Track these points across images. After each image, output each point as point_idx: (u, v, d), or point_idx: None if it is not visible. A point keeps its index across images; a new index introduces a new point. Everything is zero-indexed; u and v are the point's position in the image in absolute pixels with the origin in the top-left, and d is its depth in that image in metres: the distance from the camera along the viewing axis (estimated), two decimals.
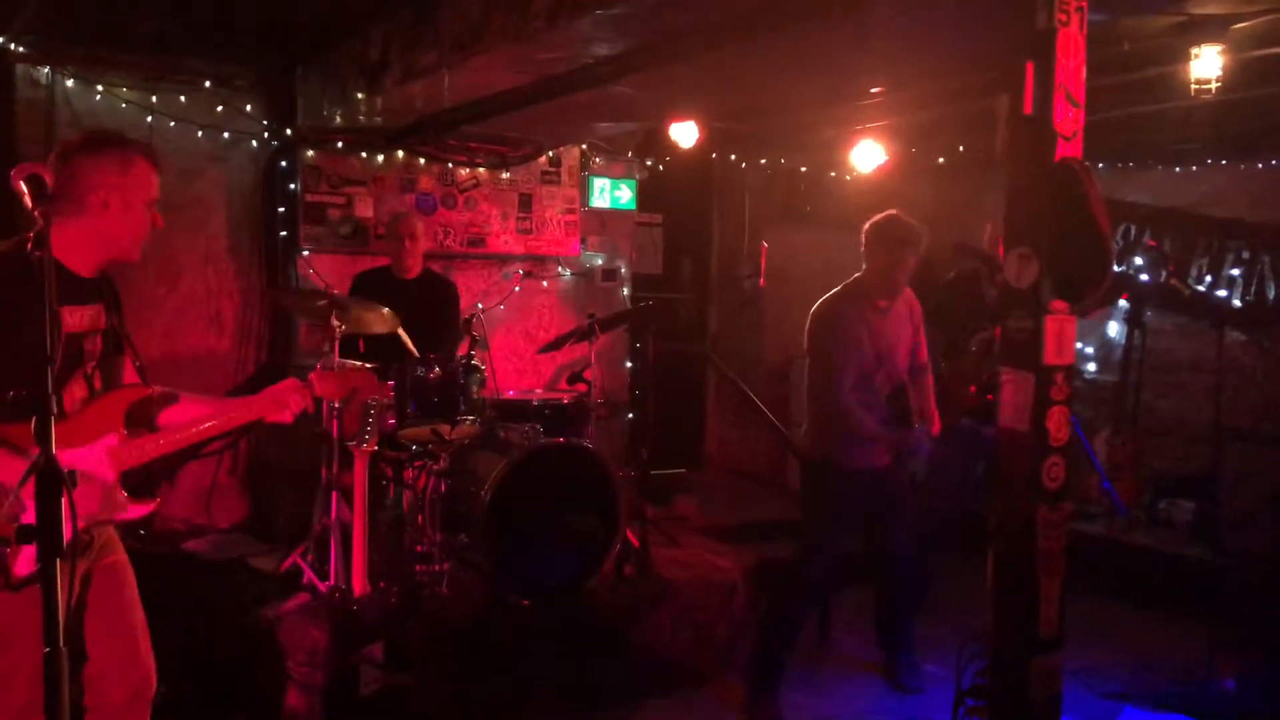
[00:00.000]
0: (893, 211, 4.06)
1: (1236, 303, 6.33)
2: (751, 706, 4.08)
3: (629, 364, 7.09)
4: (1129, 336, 6.53)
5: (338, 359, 4.30)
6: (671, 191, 7.48)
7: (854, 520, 4.23)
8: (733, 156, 7.40)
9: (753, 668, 4.16)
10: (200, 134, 5.64)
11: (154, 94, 5.47)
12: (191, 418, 2.64)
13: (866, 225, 4.06)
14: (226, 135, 5.72)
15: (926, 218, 7.84)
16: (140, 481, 2.61)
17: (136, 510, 2.54)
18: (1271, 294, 6.21)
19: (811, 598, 4.20)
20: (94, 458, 2.45)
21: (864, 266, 4.07)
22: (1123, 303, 6.63)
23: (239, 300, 5.88)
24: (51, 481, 1.70)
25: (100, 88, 5.36)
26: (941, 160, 7.05)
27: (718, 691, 4.34)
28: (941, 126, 6.10)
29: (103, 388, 2.56)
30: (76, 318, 2.47)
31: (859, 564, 4.71)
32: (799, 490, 4.34)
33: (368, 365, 4.58)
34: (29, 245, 1.90)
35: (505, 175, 6.52)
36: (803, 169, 7.64)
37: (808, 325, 4.10)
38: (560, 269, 6.88)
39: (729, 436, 7.77)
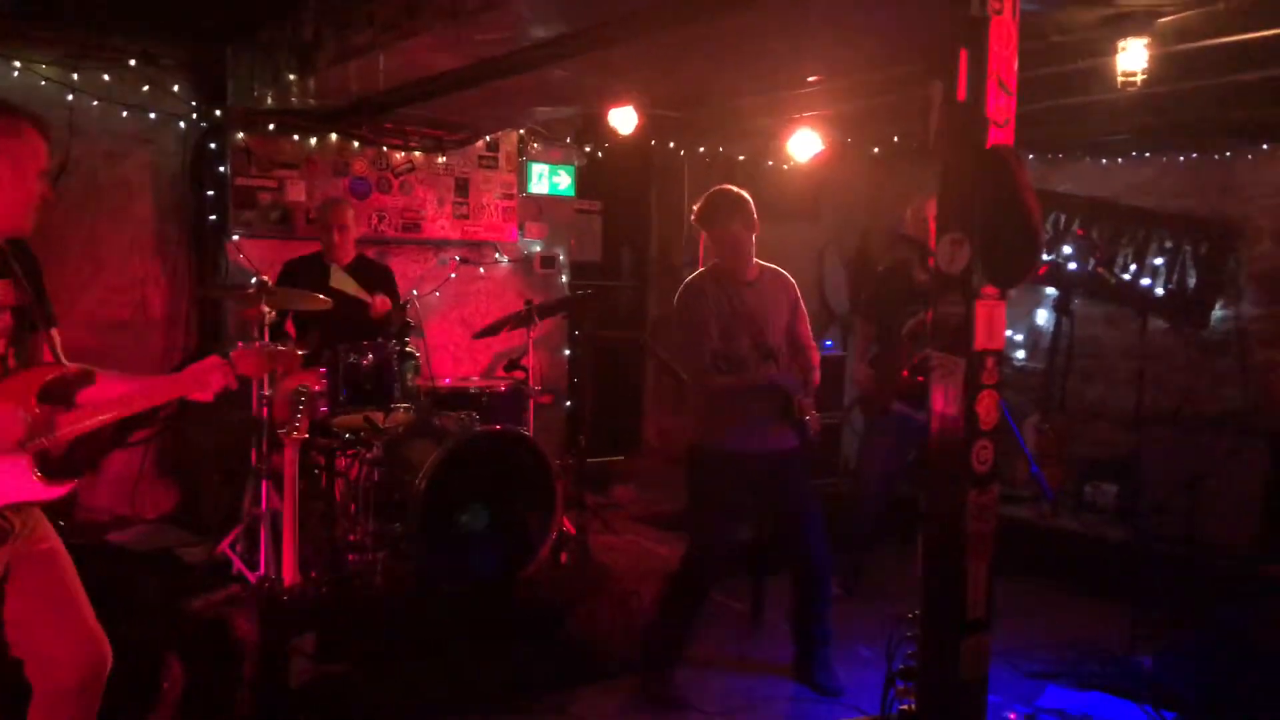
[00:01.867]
0: (722, 186, 4.11)
1: (1160, 291, 6.50)
2: (646, 685, 4.10)
3: (567, 351, 7.07)
4: (1057, 324, 6.68)
5: (265, 341, 4.22)
6: (611, 178, 7.46)
7: (737, 506, 4.22)
8: (672, 144, 7.39)
9: (646, 647, 4.18)
10: (125, 114, 5.47)
11: (76, 72, 5.29)
12: (111, 396, 2.58)
13: (694, 206, 4.14)
14: (153, 116, 5.55)
15: (863, 206, 8.00)
16: (62, 464, 2.55)
17: (51, 491, 2.48)
18: (1192, 283, 6.39)
19: (696, 583, 4.14)
20: (5, 436, 2.38)
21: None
22: (1051, 290, 6.78)
23: (166, 286, 5.72)
24: None
25: (18, 64, 5.16)
26: (877, 150, 7.13)
27: None
28: (877, 116, 6.15)
29: (16, 365, 2.49)
30: None
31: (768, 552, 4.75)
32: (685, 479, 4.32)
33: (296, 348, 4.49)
34: None
35: (441, 159, 6.43)
36: (741, 158, 7.66)
37: (675, 308, 4.17)
38: (498, 255, 6.82)
39: (667, 424, 7.78)
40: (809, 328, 4.32)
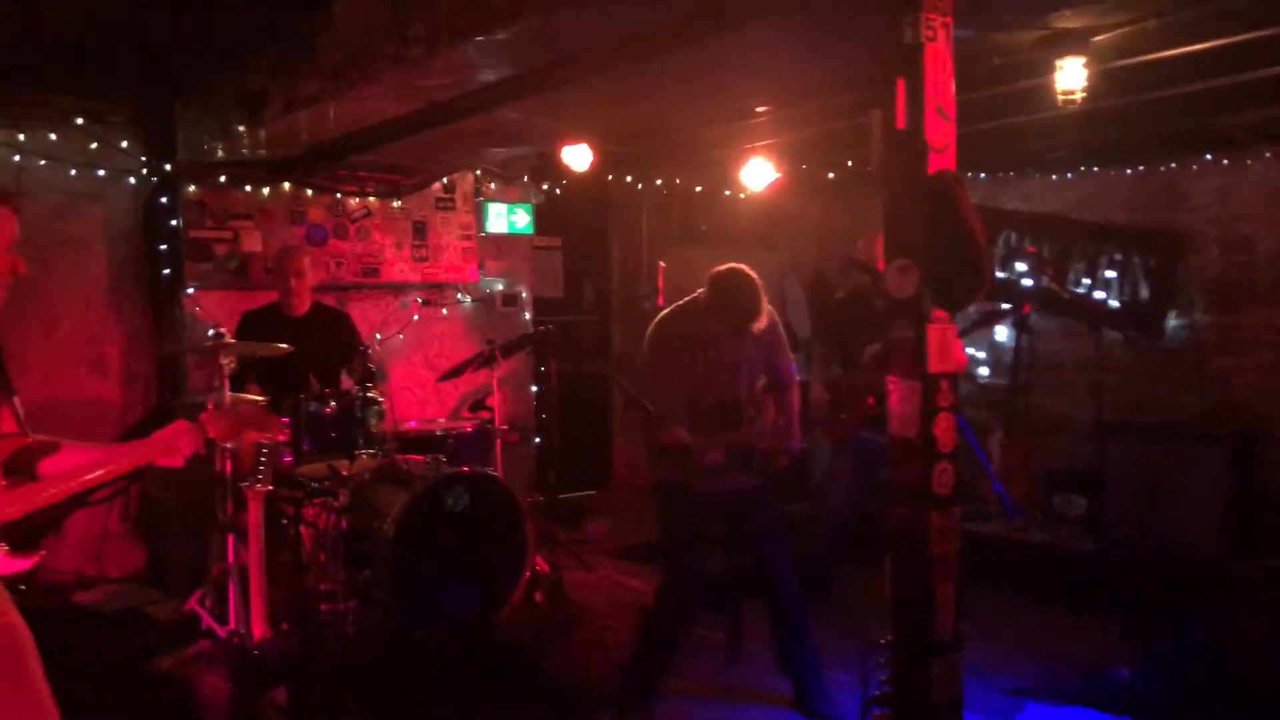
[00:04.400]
0: (741, 268, 3.85)
1: (1114, 304, 6.60)
2: (621, 716, 4.05)
3: (534, 388, 7.05)
4: (1016, 340, 6.76)
5: (229, 395, 4.19)
6: (569, 214, 7.49)
7: (706, 538, 4.15)
8: (628, 178, 7.44)
9: (624, 681, 4.13)
10: (74, 172, 5.43)
11: (21, 132, 5.25)
12: (75, 465, 2.53)
13: (709, 274, 3.89)
14: (102, 173, 5.52)
15: (819, 233, 8.08)
16: (23, 534, 2.50)
17: (15, 565, 2.42)
18: (1145, 294, 6.50)
19: (672, 615, 4.10)
20: None
21: (704, 289, 3.94)
22: (1007, 307, 6.86)
23: (123, 343, 5.67)
24: None
25: None
26: (831, 175, 7.21)
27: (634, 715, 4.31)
28: (829, 143, 6.24)
29: None
30: None
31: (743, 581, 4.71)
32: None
33: (259, 400, 4.46)
34: None
35: (398, 204, 6.44)
36: (698, 189, 7.72)
37: (645, 345, 4.07)
38: (459, 295, 6.81)
39: (637, 456, 7.75)
40: (791, 362, 4.21)
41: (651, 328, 4.09)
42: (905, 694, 2.78)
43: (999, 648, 4.67)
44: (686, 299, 4.09)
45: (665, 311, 4.12)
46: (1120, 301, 6.58)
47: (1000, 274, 6.87)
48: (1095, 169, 6.71)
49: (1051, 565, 5.78)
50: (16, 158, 5.25)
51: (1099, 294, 6.63)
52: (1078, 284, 6.73)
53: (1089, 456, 6.35)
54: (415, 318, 6.62)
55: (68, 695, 2.72)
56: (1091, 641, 4.59)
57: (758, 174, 6.31)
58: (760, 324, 3.85)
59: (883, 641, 2.91)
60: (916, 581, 2.66)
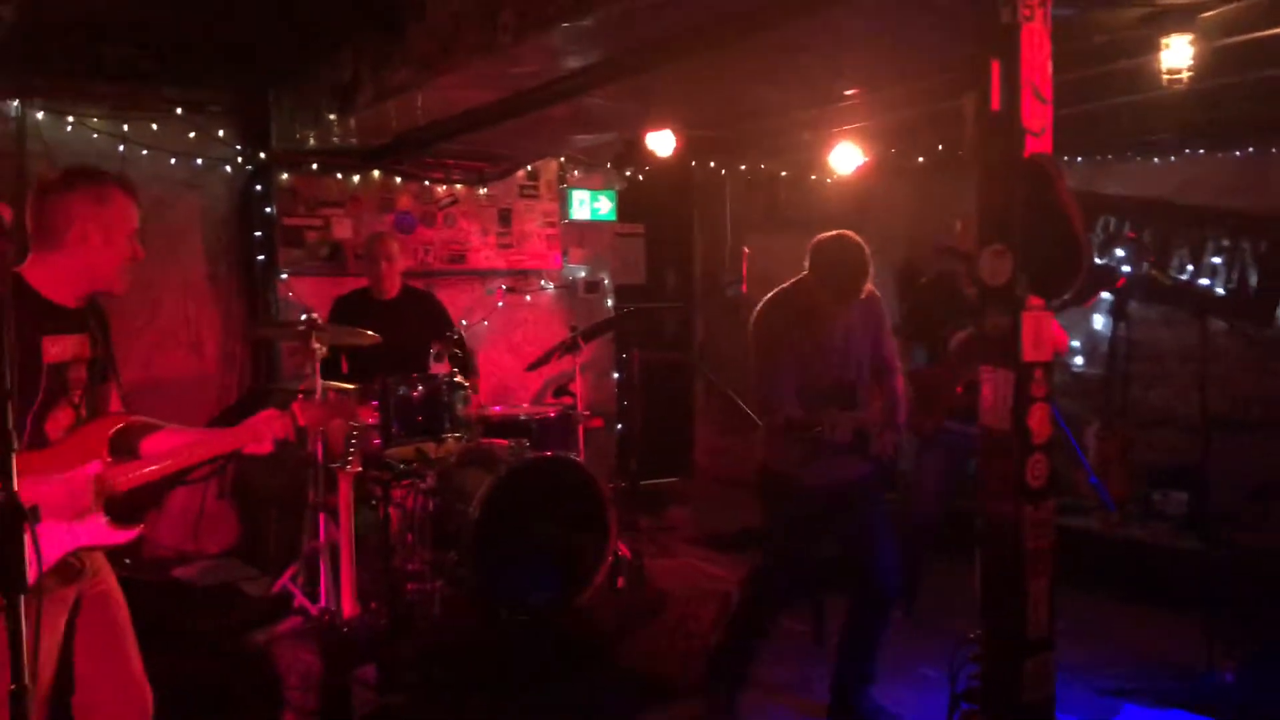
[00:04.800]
0: (845, 234, 3.82)
1: (1220, 291, 6.33)
2: (709, 708, 3.99)
3: (615, 375, 7.07)
4: (1114, 328, 6.54)
5: (320, 381, 4.28)
6: (652, 201, 7.47)
7: (812, 530, 3.99)
8: (712, 163, 7.39)
9: (711, 669, 4.08)
10: (174, 161, 5.61)
11: (125, 123, 5.45)
12: (172, 446, 2.67)
13: (812, 242, 3.85)
14: (200, 162, 5.69)
15: (909, 218, 7.92)
16: (127, 508, 2.61)
17: (119, 536, 2.55)
18: (1254, 281, 6.22)
19: (767, 605, 4.01)
20: (77, 484, 2.46)
21: (808, 261, 3.87)
22: (1106, 295, 6.64)
23: (219, 327, 5.85)
24: (13, 518, 1.68)
25: (71, 119, 5.33)
26: (921, 159, 7.05)
27: None
28: (920, 126, 6.10)
29: (88, 415, 2.59)
30: (59, 348, 2.51)
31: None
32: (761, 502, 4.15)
33: (349, 386, 4.56)
34: None
35: (483, 191, 6.50)
36: (783, 173, 7.63)
37: (751, 329, 3.95)
38: (543, 282, 6.86)
39: (718, 444, 7.75)
40: (893, 349, 4.11)
41: (757, 310, 3.96)
42: (995, 691, 2.71)
43: (1094, 647, 4.54)
44: (790, 281, 3.97)
45: (770, 294, 3.99)
46: (1226, 289, 6.31)
47: (1099, 260, 6.65)
48: (1200, 151, 6.43)
49: (1150, 562, 5.59)
50: (121, 147, 5.44)
51: (1204, 281, 6.37)
52: (1181, 270, 6.48)
53: (1191, 450, 6.11)
54: (500, 304, 6.68)
55: (165, 666, 2.84)
56: (1191, 643, 4.43)
57: (846, 158, 6.21)
58: (867, 291, 3.80)
59: (972, 637, 2.84)
60: (1008, 577, 2.59)
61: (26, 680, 1.67)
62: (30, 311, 2.41)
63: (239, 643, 4.22)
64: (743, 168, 7.52)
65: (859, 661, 4.03)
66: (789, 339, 3.83)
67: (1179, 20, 3.77)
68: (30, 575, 1.70)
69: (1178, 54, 3.91)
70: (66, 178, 2.57)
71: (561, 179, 6.86)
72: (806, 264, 3.85)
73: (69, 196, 2.52)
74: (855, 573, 4.01)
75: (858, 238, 3.80)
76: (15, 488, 1.71)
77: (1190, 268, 6.47)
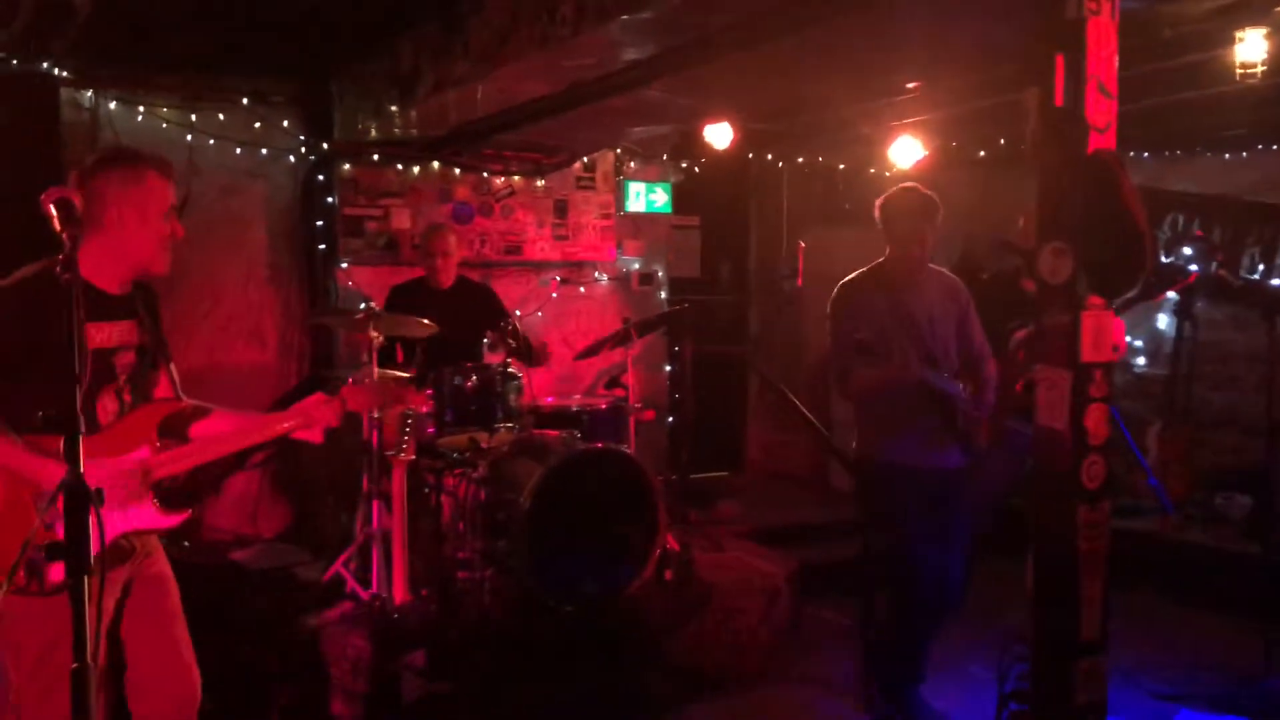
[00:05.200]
0: (907, 184, 3.89)
1: None
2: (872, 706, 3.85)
3: (668, 367, 7.07)
4: (1179, 328, 6.39)
5: (375, 369, 4.34)
6: (708, 193, 7.45)
7: (922, 519, 3.79)
8: (769, 156, 7.35)
9: (875, 673, 3.89)
10: (239, 151, 5.72)
11: (193, 113, 5.57)
12: (221, 431, 2.70)
13: (879, 200, 3.89)
14: (265, 151, 5.79)
15: (968, 213, 7.76)
16: (185, 492, 2.66)
17: (168, 520, 2.57)
18: None
19: (913, 609, 3.82)
20: (126, 468, 2.50)
21: (886, 250, 3.90)
22: (1172, 294, 6.49)
23: (280, 314, 5.95)
24: (79, 500, 1.72)
25: (142, 109, 5.46)
26: (982, 153, 6.95)
27: (761, 697, 4.30)
28: (981, 119, 6.00)
29: (135, 401, 2.62)
30: (104, 334, 2.53)
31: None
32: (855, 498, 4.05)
33: (404, 374, 4.61)
34: (58, 268, 1.93)
35: (540, 183, 6.54)
36: (840, 166, 7.57)
37: (829, 313, 3.89)
38: (597, 274, 6.88)
39: (770, 439, 7.71)
40: (982, 335, 4.03)
41: (835, 293, 3.91)
42: (1045, 693, 2.68)
43: (1149, 650, 4.47)
44: (868, 266, 3.94)
45: (846, 278, 3.94)
46: None
47: (1165, 258, 6.50)
48: (1274, 147, 6.26)
49: (1209, 567, 5.48)
50: (189, 137, 5.56)
51: (1276, 281, 6.20)
52: (1252, 270, 6.30)
53: (1255, 454, 5.96)
54: (554, 295, 6.72)
55: (217, 647, 2.89)
56: (1250, 649, 4.34)
57: (905, 151, 6.13)
58: (948, 277, 3.85)
59: (1021, 637, 2.80)
60: (1061, 577, 2.55)
61: (89, 659, 1.71)
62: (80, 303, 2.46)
63: (291, 626, 4.29)
64: (800, 160, 7.46)
65: (908, 661, 3.96)
66: (868, 312, 3.76)
67: (1255, 13, 3.67)
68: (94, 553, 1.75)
69: (1252, 48, 3.82)
70: (100, 161, 2.57)
71: (618, 170, 6.87)
72: (878, 220, 3.87)
73: (103, 179, 2.51)
74: (920, 573, 3.85)
75: (924, 189, 3.83)
76: (82, 470, 1.76)
77: (1261, 267, 6.29)
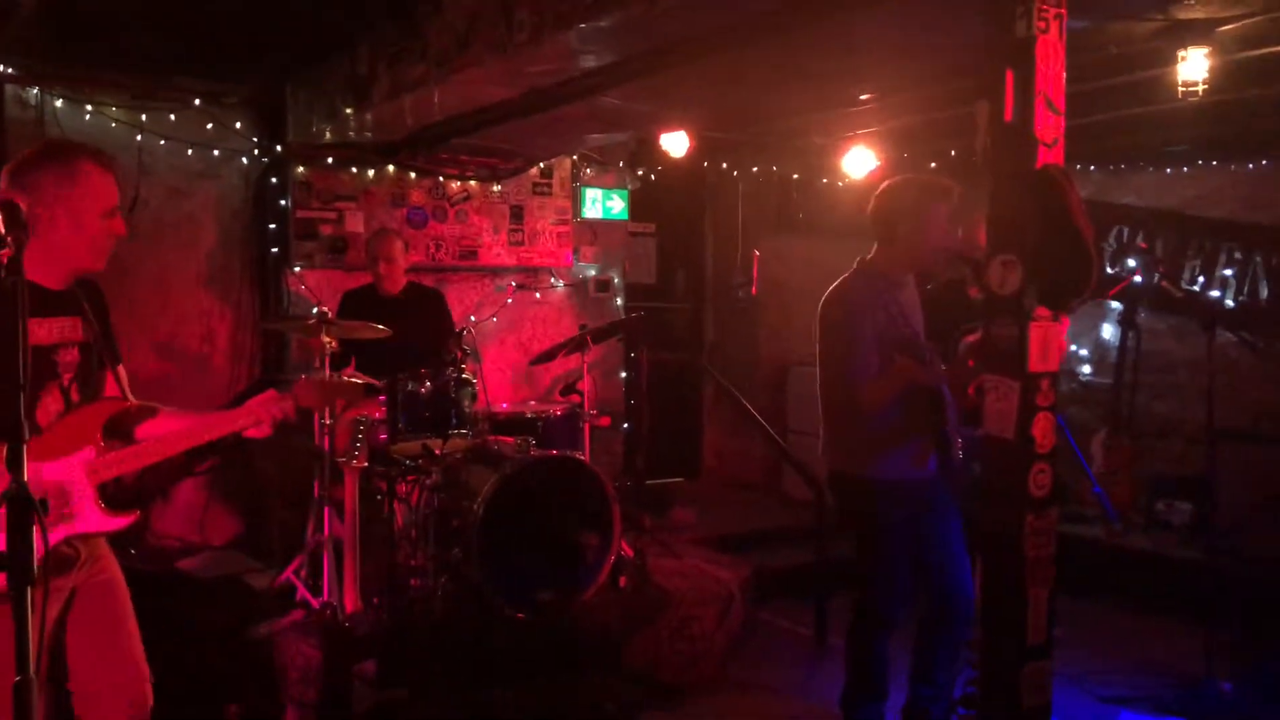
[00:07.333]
0: (891, 181, 3.66)
1: (1229, 303, 6.33)
2: None
3: (624, 374, 7.09)
4: (1123, 338, 6.53)
5: (328, 373, 4.29)
6: (664, 201, 7.48)
7: (912, 539, 3.54)
8: (725, 165, 7.40)
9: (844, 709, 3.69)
10: (190, 152, 5.63)
11: (143, 113, 5.47)
12: (169, 431, 2.63)
13: (880, 190, 3.64)
14: (217, 153, 5.72)
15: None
16: (129, 495, 2.61)
17: (114, 522, 2.51)
18: (1265, 294, 6.21)
19: (886, 629, 3.56)
20: (70, 470, 2.45)
21: (873, 247, 3.71)
22: (1115, 304, 6.64)
23: (231, 317, 5.87)
24: (23, 509, 1.69)
25: (90, 108, 5.36)
26: (934, 165, 7.04)
27: (717, 703, 4.32)
28: (933, 131, 6.10)
29: (81, 400, 2.56)
30: (45, 330, 2.47)
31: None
32: (837, 511, 3.86)
33: (357, 378, 4.56)
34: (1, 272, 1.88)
35: (497, 188, 6.52)
36: (795, 176, 7.63)
37: (819, 316, 3.66)
38: (553, 280, 6.87)
39: (726, 446, 7.75)
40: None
41: (825, 298, 3.68)
42: (993, 697, 2.72)
43: (1094, 654, 4.55)
44: (852, 269, 3.73)
45: (836, 284, 3.71)
46: (1237, 301, 6.31)
47: (1110, 270, 6.64)
48: (1214, 163, 6.43)
49: (1152, 572, 5.59)
50: (139, 137, 5.47)
51: (1214, 292, 6.36)
52: (1192, 282, 6.47)
53: (1197, 462, 6.11)
54: (509, 301, 6.70)
55: (167, 657, 2.84)
56: (1192, 652, 4.44)
57: (858, 162, 6.22)
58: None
59: (970, 642, 2.85)
60: (1009, 584, 2.60)
61: (31, 672, 1.67)
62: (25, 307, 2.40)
63: (241, 635, 4.23)
64: (755, 170, 7.52)
65: (938, 674, 3.58)
66: (888, 308, 3.58)
67: (1197, 33, 3.77)
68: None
69: (1194, 67, 3.92)
70: (35, 157, 2.48)
71: (575, 177, 6.87)
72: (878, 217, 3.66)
73: (35, 177, 2.44)
74: (927, 587, 3.59)
75: (914, 179, 3.68)
76: (26, 479, 1.72)
77: (1201, 279, 6.46)
